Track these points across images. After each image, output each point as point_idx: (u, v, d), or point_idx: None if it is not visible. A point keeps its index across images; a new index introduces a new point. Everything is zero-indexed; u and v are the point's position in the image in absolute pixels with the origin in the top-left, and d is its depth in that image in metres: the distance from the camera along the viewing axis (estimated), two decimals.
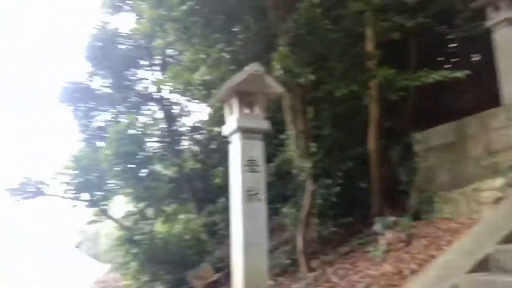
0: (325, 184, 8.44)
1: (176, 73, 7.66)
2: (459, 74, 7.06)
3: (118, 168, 7.45)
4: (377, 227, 7.01)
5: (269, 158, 9.80)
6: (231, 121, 5.63)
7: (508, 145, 7.11)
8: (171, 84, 8.62)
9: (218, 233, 10.89)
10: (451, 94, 9.89)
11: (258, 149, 5.55)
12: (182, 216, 14.18)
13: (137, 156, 7.67)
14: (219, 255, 11.47)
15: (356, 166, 8.75)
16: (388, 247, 6.31)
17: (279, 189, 9.61)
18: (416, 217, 7.62)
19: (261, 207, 5.38)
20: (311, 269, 7.17)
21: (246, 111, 5.64)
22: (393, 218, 6.92)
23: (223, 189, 9.92)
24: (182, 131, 13.73)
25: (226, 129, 5.78)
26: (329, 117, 9.73)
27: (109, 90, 11.92)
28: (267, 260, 5.29)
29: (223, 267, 9.80)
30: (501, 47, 7.91)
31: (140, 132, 7.64)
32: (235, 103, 5.57)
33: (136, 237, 8.96)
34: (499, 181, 5.57)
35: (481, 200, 5.83)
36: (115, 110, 11.98)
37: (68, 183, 8.44)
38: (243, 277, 4.95)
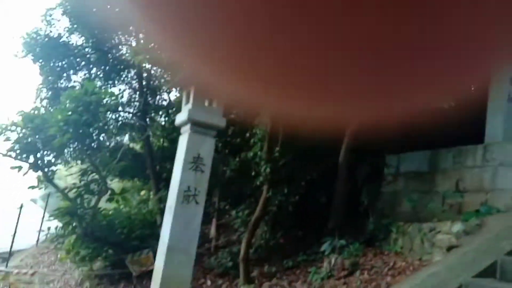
0: (284, 191, 8.02)
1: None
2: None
3: (68, 136, 6.86)
4: (325, 247, 6.61)
5: (235, 151, 9.39)
6: (184, 111, 5.11)
7: (478, 187, 6.76)
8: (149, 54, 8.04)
9: None
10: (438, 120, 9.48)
11: (208, 146, 5.04)
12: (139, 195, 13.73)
13: (92, 127, 7.09)
14: None
15: (320, 178, 8.32)
16: (329, 273, 5.91)
17: (238, 188, 9.18)
18: (370, 242, 7.27)
19: (197, 210, 4.89)
20: (248, 279, 6.76)
21: (203, 103, 5.12)
22: (342, 242, 6.52)
23: None
24: (158, 106, 13.14)
25: (178, 119, 5.26)
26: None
27: (86, 51, 11.21)
28: (192, 269, 4.83)
29: None
30: None
31: (97, 101, 7.04)
32: (191, 92, 5.05)
33: (79, 211, 8.42)
34: (457, 226, 5.19)
35: (436, 243, 5.45)
36: (87, 73, 11.31)
37: (13, 142, 7.81)
38: (159, 286, 4.48)
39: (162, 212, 10.70)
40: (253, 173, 7.30)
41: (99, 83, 12.06)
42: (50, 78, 10.06)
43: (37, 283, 9.15)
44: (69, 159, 8.26)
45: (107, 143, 13.13)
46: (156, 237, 9.88)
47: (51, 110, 8.37)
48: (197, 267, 9.12)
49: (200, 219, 5.10)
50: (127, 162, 13.34)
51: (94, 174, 7.89)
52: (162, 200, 11.60)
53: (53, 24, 10.06)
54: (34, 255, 11.65)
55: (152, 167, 12.14)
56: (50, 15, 9.86)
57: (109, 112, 7.37)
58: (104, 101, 7.23)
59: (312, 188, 8.16)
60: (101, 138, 8.13)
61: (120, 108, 13.28)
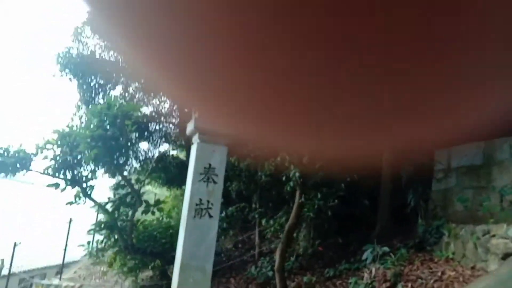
0: (323, 194, 7.47)
1: None
2: None
3: (94, 152, 6.84)
4: (366, 255, 5.99)
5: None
6: (192, 120, 4.79)
7: None
8: None
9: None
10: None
11: (219, 155, 4.67)
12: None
13: (118, 141, 7.02)
14: None
15: (362, 178, 7.65)
16: (369, 285, 5.31)
17: (276, 193, 8.74)
18: (419, 247, 6.54)
19: (211, 225, 4.53)
20: None
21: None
22: (385, 248, 5.87)
23: None
24: None
25: (188, 128, 4.95)
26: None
27: (121, 65, 11.32)
28: (209, 287, 4.47)
29: (216, 260, 9.17)
30: None
31: (123, 115, 6.97)
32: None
33: (118, 223, 8.42)
34: None
35: (491, 249, 4.68)
36: (124, 87, 11.42)
37: (50, 159, 7.94)
38: None
39: None
40: (283, 178, 6.82)
41: (138, 95, 12.23)
42: (86, 94, 10.23)
43: None
44: (101, 174, 8.30)
45: (150, 154, 13.29)
46: None
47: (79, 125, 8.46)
48: (241, 276, 8.84)
49: (215, 233, 4.71)
50: (172, 171, 13.43)
51: (127, 187, 7.82)
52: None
53: (84, 42, 10.25)
54: (88, 266, 11.94)
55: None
56: (80, 33, 10.05)
57: (135, 126, 7.26)
58: (133, 114, 7.14)
59: (353, 190, 7.53)
60: (131, 152, 8.03)
61: (162, 119, 13.42)
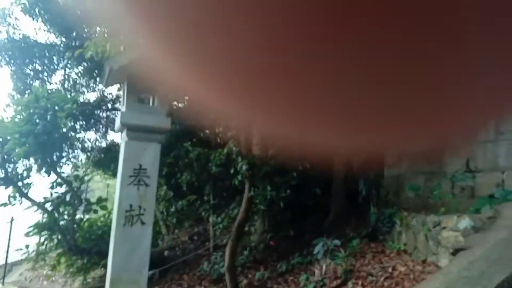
0: (274, 185, 7.17)
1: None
2: None
3: (24, 149, 6.21)
4: (317, 249, 5.77)
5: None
6: (118, 114, 4.29)
7: (493, 166, 5.77)
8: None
9: (168, 220, 9.78)
10: None
11: (151, 154, 4.21)
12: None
13: (51, 135, 6.39)
14: (161, 247, 10.42)
15: (314, 166, 7.40)
16: (320, 282, 5.08)
17: (228, 184, 8.38)
18: (373, 236, 6.40)
19: (144, 232, 4.10)
20: None
21: (139, 102, 4.29)
22: (337, 241, 5.66)
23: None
24: None
25: (115, 125, 4.46)
26: None
27: (60, 48, 10.46)
28: None
29: (160, 262, 8.75)
30: None
31: (54, 107, 6.34)
32: (124, 89, 4.22)
33: (60, 223, 7.82)
34: (464, 222, 4.26)
35: (441, 242, 4.53)
36: (65, 73, 10.59)
37: None
38: None
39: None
40: (232, 171, 6.45)
41: (82, 81, 11.40)
42: (20, 83, 9.36)
43: None
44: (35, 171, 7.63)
45: (99, 144, 12.56)
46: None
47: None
48: (194, 271, 8.50)
49: (149, 241, 4.28)
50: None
51: (64, 185, 7.22)
52: (167, 195, 11.01)
53: (14, 24, 9.32)
54: (34, 267, 11.25)
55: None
56: (8, 15, 9.13)
57: (69, 117, 6.63)
58: (65, 106, 6.49)
59: (305, 179, 7.27)
60: (68, 146, 7.40)
61: (110, 106, 12.64)
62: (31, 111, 6.26)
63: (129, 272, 4.15)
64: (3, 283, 10.16)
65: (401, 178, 6.88)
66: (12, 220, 10.39)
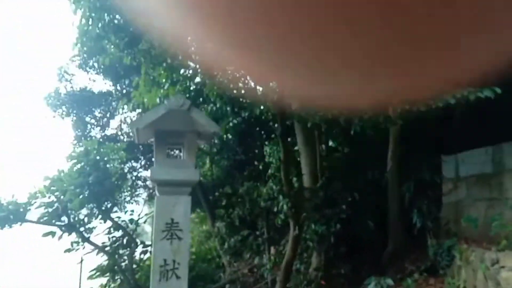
0: (325, 218, 6.94)
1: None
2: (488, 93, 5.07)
3: (80, 200, 6.59)
4: None
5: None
6: (150, 170, 4.41)
7: None
8: None
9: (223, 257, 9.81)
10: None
11: (182, 207, 4.25)
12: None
13: (103, 185, 6.75)
14: (223, 282, 10.45)
15: (364, 197, 7.07)
16: None
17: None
18: (433, 270, 5.93)
19: (180, 286, 4.12)
20: None
21: (168, 157, 4.39)
22: (389, 281, 5.30)
23: None
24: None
25: (150, 179, 4.58)
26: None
27: (116, 95, 11.12)
28: None
29: None
30: None
31: (104, 157, 6.72)
32: (154, 146, 4.34)
33: (123, 265, 8.16)
34: None
35: (501, 283, 4.07)
36: (123, 118, 11.22)
37: (44, 207, 7.74)
38: None
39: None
40: (275, 210, 6.35)
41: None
42: (80, 132, 10.06)
43: None
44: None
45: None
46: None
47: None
48: None
49: None
50: None
51: (119, 230, 7.54)
52: (220, 232, 11.13)
53: (70, 79, 10.09)
54: None
55: (204, 198, 11.73)
56: (66, 72, 9.91)
57: (121, 165, 6.98)
58: (112, 156, 6.84)
59: (356, 212, 6.96)
60: (120, 195, 7.71)
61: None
62: (82, 164, 6.66)
63: None
64: None
65: (460, 204, 6.38)
66: (82, 261, 11.00)
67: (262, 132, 8.83)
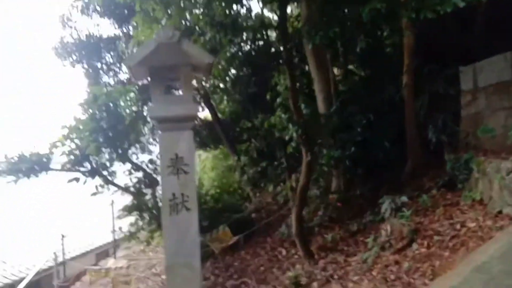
0: (341, 142, 6.86)
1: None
2: None
3: (95, 145, 6.70)
4: (384, 209, 5.45)
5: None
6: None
7: None
8: None
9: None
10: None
11: (185, 142, 4.23)
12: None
13: (116, 128, 6.80)
14: (249, 210, 10.76)
15: (380, 117, 6.87)
16: (387, 243, 4.83)
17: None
18: (450, 185, 5.84)
19: (190, 218, 4.20)
20: (308, 253, 6.00)
21: (165, 93, 4.30)
22: (404, 198, 5.27)
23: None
24: None
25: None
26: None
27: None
28: (199, 284, 4.25)
29: (248, 225, 9.07)
30: None
31: (114, 102, 6.70)
32: (150, 83, 4.26)
33: (149, 203, 8.49)
34: None
35: None
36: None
37: (67, 155, 7.97)
38: None
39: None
40: (286, 139, 6.28)
41: None
42: (93, 79, 10.05)
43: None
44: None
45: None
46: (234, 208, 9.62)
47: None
48: (277, 232, 8.64)
49: (196, 226, 4.39)
50: (203, 133, 13.27)
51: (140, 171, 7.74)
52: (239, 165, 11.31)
53: (74, 26, 9.89)
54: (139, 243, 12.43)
55: (224, 134, 11.79)
56: (68, 19, 9.70)
57: (135, 107, 6.98)
58: (122, 100, 6.84)
59: (372, 133, 6.82)
60: (137, 137, 7.73)
61: None
62: (92, 110, 6.71)
63: (182, 257, 4.31)
64: (115, 257, 11.47)
65: (479, 116, 6.12)
66: (112, 203, 11.51)
67: (272, 61, 8.58)
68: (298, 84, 8.15)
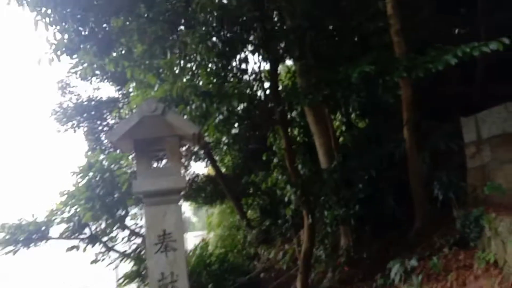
0: (344, 200, 6.58)
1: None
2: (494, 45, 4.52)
3: (90, 214, 6.54)
4: (393, 274, 5.09)
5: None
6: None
7: None
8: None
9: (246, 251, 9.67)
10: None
11: (173, 216, 4.03)
12: None
13: (112, 196, 6.67)
14: (257, 270, 10.33)
15: (382, 173, 6.63)
16: None
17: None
18: (462, 244, 5.48)
19: None
20: None
21: (151, 166, 4.16)
22: (414, 262, 4.93)
23: None
24: None
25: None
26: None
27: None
28: None
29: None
30: None
31: (110, 169, 6.61)
32: (134, 156, 4.13)
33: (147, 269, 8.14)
34: None
35: None
36: None
37: (66, 222, 7.79)
38: None
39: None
40: (286, 200, 6.05)
41: None
42: (93, 142, 10.04)
43: None
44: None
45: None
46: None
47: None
48: None
49: None
50: (208, 189, 13.06)
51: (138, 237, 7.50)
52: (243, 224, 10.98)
53: (74, 92, 10.04)
54: None
55: (227, 189, 11.57)
56: (67, 85, 9.87)
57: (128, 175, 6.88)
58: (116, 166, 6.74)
59: (375, 190, 6.56)
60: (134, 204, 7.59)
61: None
62: (89, 177, 6.60)
63: None
64: None
65: (486, 169, 5.85)
66: (117, 267, 11.15)
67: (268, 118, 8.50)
68: (298, 138, 8.03)
